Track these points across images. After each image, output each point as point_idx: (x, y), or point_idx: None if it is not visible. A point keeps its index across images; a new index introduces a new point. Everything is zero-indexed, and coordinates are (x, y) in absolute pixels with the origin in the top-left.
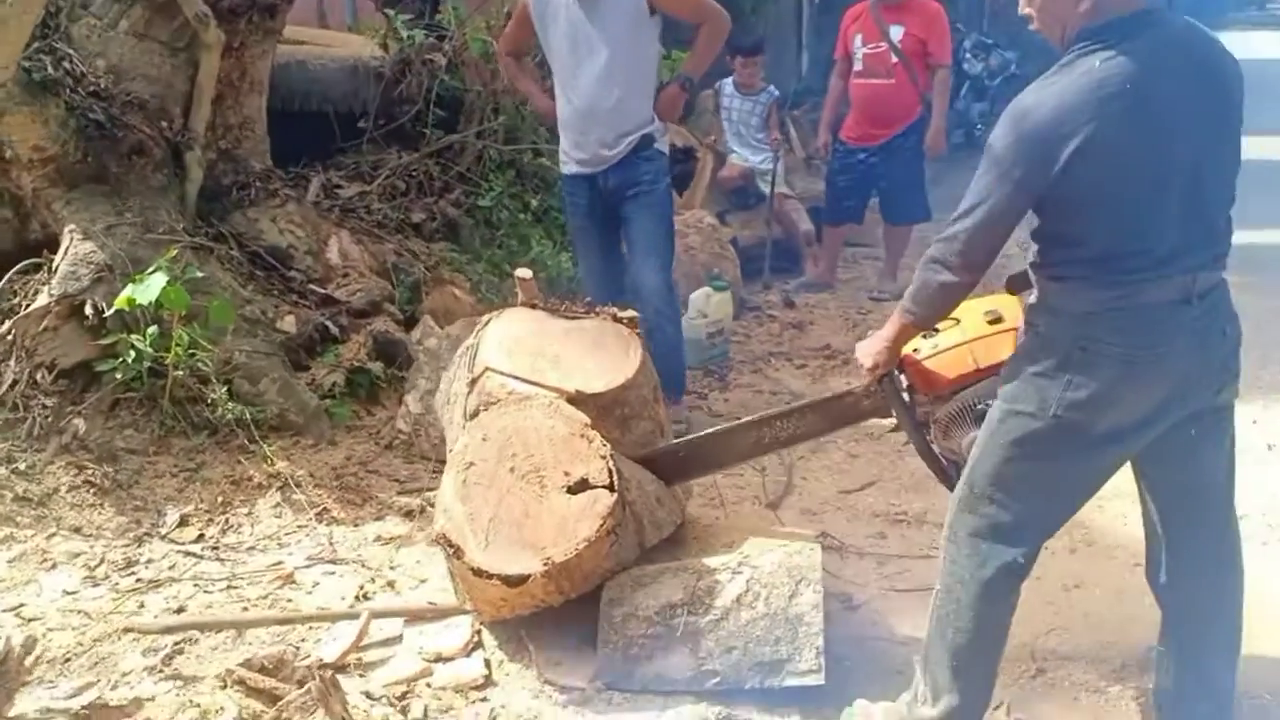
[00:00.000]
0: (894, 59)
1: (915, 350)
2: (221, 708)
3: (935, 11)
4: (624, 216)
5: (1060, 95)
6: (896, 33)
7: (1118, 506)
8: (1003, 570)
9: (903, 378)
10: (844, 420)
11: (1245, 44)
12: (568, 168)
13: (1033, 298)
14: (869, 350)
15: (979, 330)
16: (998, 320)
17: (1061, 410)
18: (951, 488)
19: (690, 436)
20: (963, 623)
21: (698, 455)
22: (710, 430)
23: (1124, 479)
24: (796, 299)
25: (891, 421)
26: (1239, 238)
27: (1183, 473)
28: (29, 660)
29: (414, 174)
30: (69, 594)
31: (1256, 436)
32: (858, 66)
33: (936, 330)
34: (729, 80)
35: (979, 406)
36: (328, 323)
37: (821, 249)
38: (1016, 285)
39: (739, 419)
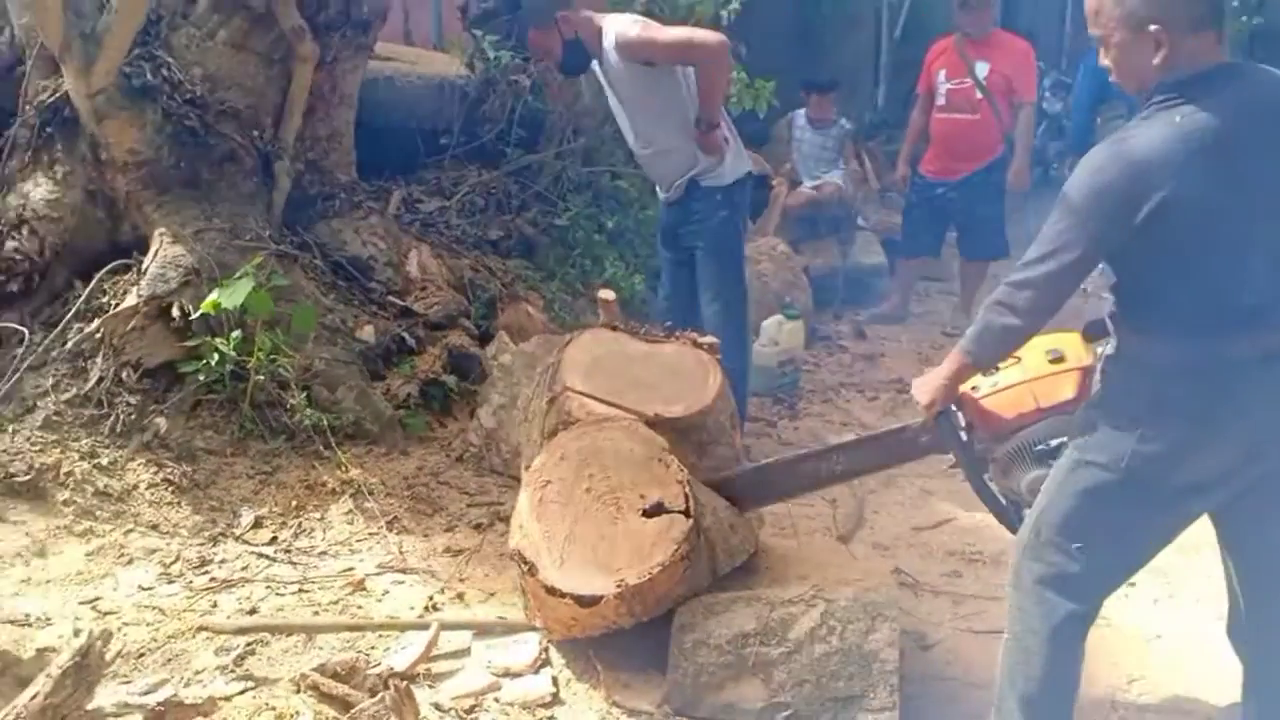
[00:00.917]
0: (978, 95)
1: (975, 388)
2: (297, 712)
3: (1023, 50)
4: (690, 249)
5: (1140, 151)
6: (982, 69)
7: (1203, 558)
8: (1070, 619)
9: (961, 415)
10: (901, 455)
11: None
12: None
13: (1110, 348)
14: (926, 386)
15: (1040, 370)
16: (1060, 359)
17: (1135, 463)
18: (1010, 527)
19: (748, 465)
20: (1033, 671)
21: (754, 484)
22: (767, 461)
23: (1207, 528)
24: (868, 330)
25: (951, 458)
26: None
27: (1260, 532)
28: (109, 654)
29: (493, 191)
30: (144, 590)
31: None
32: (940, 101)
33: (997, 368)
34: (801, 112)
35: (1038, 447)
36: (405, 334)
37: (895, 281)
38: (1094, 333)
39: (806, 448)
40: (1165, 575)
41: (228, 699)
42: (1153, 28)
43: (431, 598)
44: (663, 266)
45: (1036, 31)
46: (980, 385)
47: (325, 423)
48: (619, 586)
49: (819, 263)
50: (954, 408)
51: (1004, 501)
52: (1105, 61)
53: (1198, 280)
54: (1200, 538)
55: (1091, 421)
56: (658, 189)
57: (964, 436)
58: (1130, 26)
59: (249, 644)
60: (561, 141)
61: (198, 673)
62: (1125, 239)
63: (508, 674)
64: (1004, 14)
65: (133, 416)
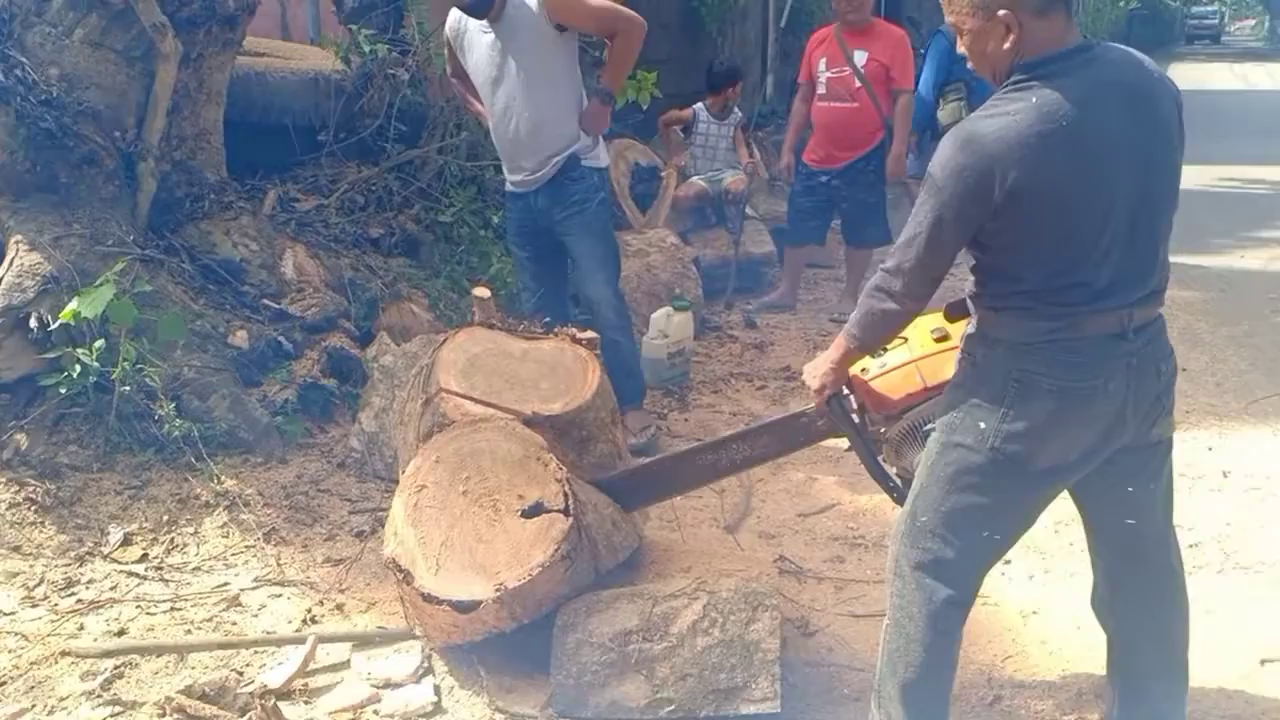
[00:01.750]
0: (857, 83)
1: (863, 370)
2: None
3: (899, 37)
4: (562, 235)
5: (996, 131)
6: (860, 57)
7: (1074, 532)
8: (949, 604)
9: (853, 398)
10: (799, 442)
11: (1201, 77)
12: (506, 185)
13: (971, 327)
14: (815, 372)
15: (926, 349)
16: (945, 338)
17: (999, 442)
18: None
19: (643, 461)
20: (913, 656)
21: (653, 480)
22: (664, 455)
23: None
24: (758, 319)
25: (847, 443)
26: (1200, 262)
27: (1119, 507)
28: None
29: (373, 188)
30: (6, 615)
31: (1211, 464)
32: (821, 90)
33: (885, 349)
34: (702, 106)
35: (927, 426)
36: (281, 338)
37: (782, 269)
38: (955, 313)
39: (698, 440)
40: (1040, 552)
41: None
42: (1001, 12)
43: (310, 610)
44: (520, 267)
45: (921, 20)
46: (869, 367)
47: (197, 433)
48: (498, 590)
49: (709, 253)
50: (845, 391)
51: (899, 482)
52: (962, 48)
53: (1052, 259)
54: (1074, 513)
55: (955, 401)
56: (512, 174)
57: (856, 419)
58: (981, 12)
59: (117, 667)
60: (444, 136)
61: (62, 699)
62: (985, 218)
63: (388, 685)
64: (890, 3)
65: None
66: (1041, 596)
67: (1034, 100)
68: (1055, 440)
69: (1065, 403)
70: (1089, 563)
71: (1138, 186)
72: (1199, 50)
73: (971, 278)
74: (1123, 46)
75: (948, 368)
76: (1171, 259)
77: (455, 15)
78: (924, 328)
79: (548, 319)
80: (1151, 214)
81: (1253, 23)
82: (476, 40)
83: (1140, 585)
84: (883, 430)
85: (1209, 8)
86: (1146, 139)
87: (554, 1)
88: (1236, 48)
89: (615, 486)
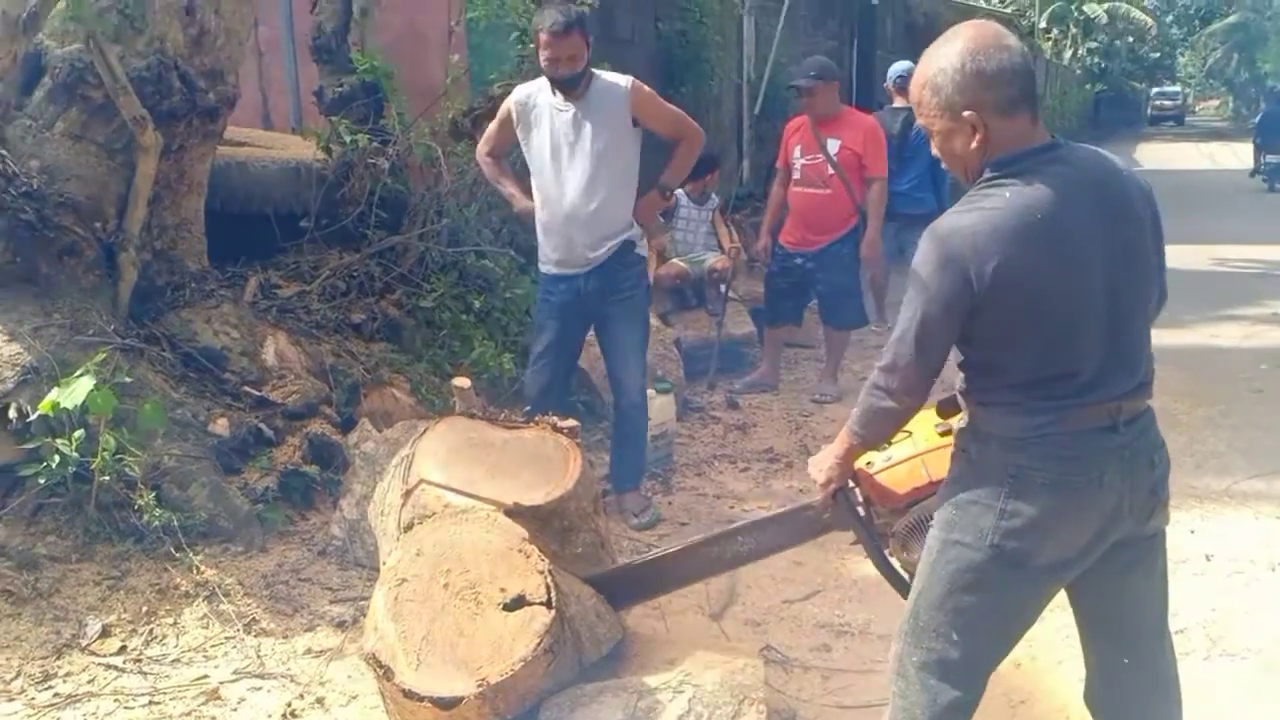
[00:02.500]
0: (830, 170)
1: (869, 463)
2: None
3: (870, 126)
4: (603, 318)
5: (973, 225)
6: (833, 146)
7: (1061, 619)
8: (953, 707)
9: (858, 491)
10: (804, 534)
11: (1167, 156)
12: (546, 267)
13: (963, 422)
14: (820, 465)
15: (931, 443)
16: (949, 432)
17: (999, 539)
18: None
19: (641, 558)
20: None
21: (651, 576)
22: (664, 550)
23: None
24: (740, 400)
25: (853, 535)
26: (1173, 341)
27: (1113, 601)
28: None
29: (355, 274)
30: None
31: (1194, 547)
32: (796, 175)
33: (889, 443)
34: (682, 192)
35: (933, 519)
36: (261, 425)
37: (763, 350)
38: (946, 408)
39: (694, 536)
40: (1027, 640)
41: None
42: (966, 113)
43: (290, 704)
44: (546, 334)
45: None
46: (874, 460)
47: (176, 522)
48: (480, 685)
49: (690, 334)
50: (850, 484)
51: (905, 577)
52: (934, 149)
53: (1035, 351)
54: (1060, 599)
55: (951, 496)
56: (560, 255)
57: (862, 513)
58: (948, 113)
59: None
60: (425, 222)
61: None
62: (970, 309)
63: None
64: (862, 91)
65: None
66: (1027, 686)
67: (1008, 195)
68: (1055, 536)
69: (1062, 498)
70: (1078, 650)
71: (1114, 279)
72: (1165, 131)
73: (960, 373)
74: (1089, 146)
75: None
76: None
77: (525, 90)
78: (928, 421)
79: (547, 400)
80: (1131, 306)
81: (1217, 103)
82: (549, 116)
83: (1135, 680)
84: (889, 524)
85: (1173, 88)
86: (1119, 232)
87: (640, 97)
88: (1202, 127)
89: (608, 583)
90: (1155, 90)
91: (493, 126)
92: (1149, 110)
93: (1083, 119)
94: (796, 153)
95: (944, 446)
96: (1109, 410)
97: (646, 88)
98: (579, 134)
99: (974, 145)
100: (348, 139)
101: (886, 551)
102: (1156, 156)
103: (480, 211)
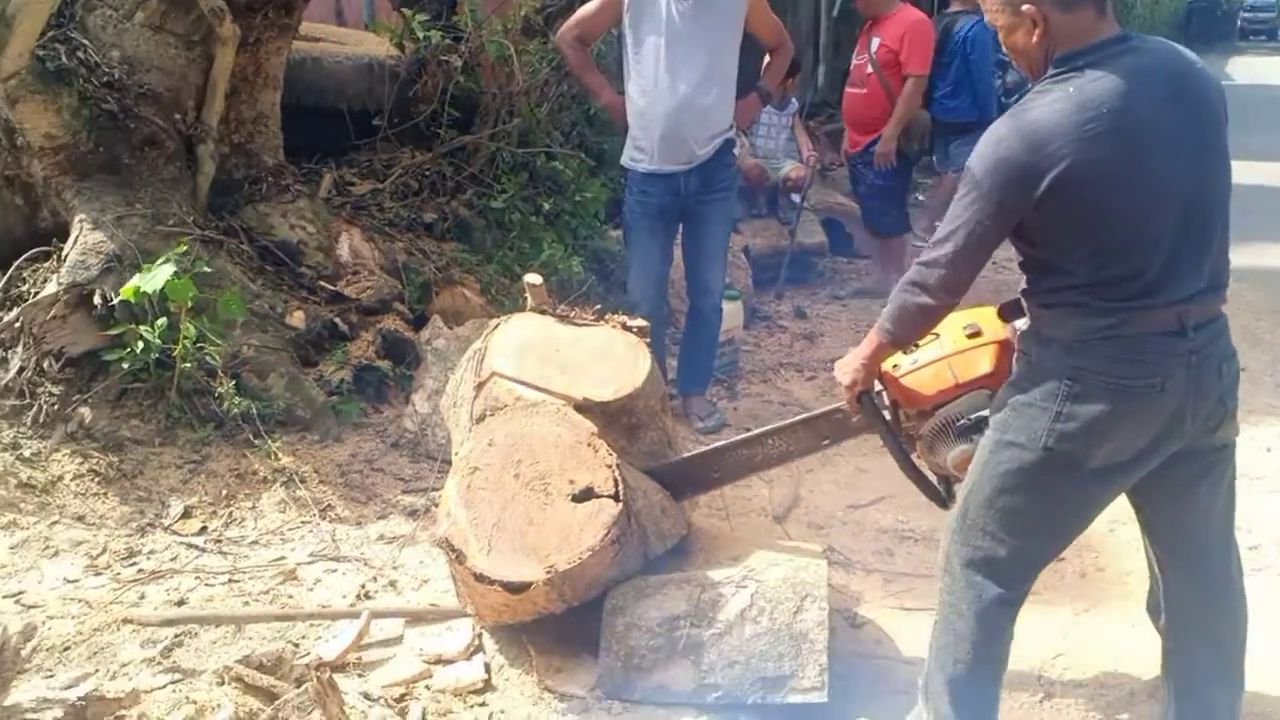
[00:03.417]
0: (869, 69)
1: (895, 366)
2: (218, 704)
3: (912, 21)
4: (697, 217)
5: (1036, 122)
6: (875, 44)
7: (1130, 531)
8: (998, 602)
9: (884, 394)
10: (832, 438)
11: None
12: (642, 165)
13: (1024, 324)
14: (846, 368)
15: (958, 345)
16: (977, 334)
17: (1052, 442)
18: (940, 504)
19: (683, 455)
20: (961, 654)
21: (693, 473)
22: (702, 449)
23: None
24: (808, 310)
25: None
26: (1258, 262)
27: (1178, 512)
28: (27, 649)
29: (427, 174)
30: (70, 582)
31: (1271, 465)
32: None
33: (916, 345)
34: None
35: (960, 422)
36: (336, 320)
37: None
38: (1009, 313)
39: (748, 430)
40: (1094, 549)
41: (149, 692)
42: (1026, 7)
43: (364, 586)
44: (646, 237)
45: None
46: (901, 363)
47: (255, 410)
48: (548, 572)
49: (759, 243)
50: (877, 387)
51: (933, 479)
52: (1005, 46)
53: (1099, 252)
54: (1130, 511)
55: (1008, 399)
56: (664, 152)
57: (888, 415)
58: (1009, 9)
59: (177, 636)
60: (496, 122)
61: (124, 666)
62: (1028, 210)
63: (440, 661)
64: None
65: (56, 407)
66: (1094, 595)
67: (1070, 90)
68: (1110, 440)
69: (1121, 402)
70: (1144, 561)
71: (1188, 172)
72: (1258, 45)
73: (1021, 274)
74: (1160, 38)
75: (980, 364)
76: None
77: None
78: (956, 323)
79: (657, 304)
80: (1205, 202)
81: None
82: (662, 10)
83: (1197, 590)
84: (916, 428)
85: (1268, 0)
86: (1194, 124)
87: (756, 2)
88: None
89: (662, 475)
90: (1248, 2)
91: (589, 8)
92: (1239, 23)
93: (1173, 28)
94: (854, 54)
95: (971, 349)
96: (1177, 313)
97: None
98: (699, 26)
99: (1035, 39)
100: (420, 35)
101: (914, 455)
102: (1248, 71)
103: (551, 113)
